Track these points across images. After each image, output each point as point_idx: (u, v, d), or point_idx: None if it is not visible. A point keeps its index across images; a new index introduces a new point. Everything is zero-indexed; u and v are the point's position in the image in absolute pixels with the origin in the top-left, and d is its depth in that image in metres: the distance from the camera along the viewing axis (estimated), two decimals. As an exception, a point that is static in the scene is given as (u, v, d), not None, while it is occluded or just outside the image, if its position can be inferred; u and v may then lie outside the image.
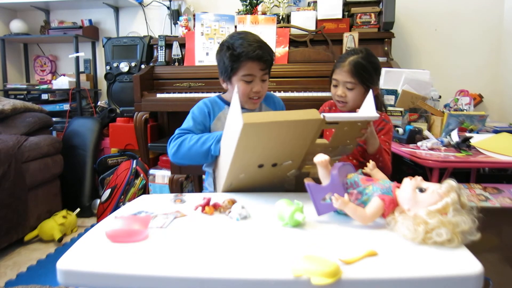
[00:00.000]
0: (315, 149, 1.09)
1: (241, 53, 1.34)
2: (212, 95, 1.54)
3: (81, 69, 3.26)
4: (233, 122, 1.00)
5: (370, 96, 1.18)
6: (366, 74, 1.42)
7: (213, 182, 1.32)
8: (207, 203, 1.02)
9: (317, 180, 0.98)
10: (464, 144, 1.70)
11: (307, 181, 0.95)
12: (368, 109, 1.14)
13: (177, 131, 1.40)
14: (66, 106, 3.09)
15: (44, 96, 3.08)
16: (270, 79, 2.50)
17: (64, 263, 0.74)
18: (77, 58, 3.06)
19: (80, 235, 2.43)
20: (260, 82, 1.39)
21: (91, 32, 3.28)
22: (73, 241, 2.32)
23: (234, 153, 1.01)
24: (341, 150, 1.21)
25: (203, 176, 1.64)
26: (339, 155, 1.23)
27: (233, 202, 1.02)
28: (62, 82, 3.11)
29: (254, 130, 0.96)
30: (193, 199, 1.11)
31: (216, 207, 1.02)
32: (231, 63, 1.36)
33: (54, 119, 2.90)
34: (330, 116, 1.03)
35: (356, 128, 1.14)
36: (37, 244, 2.32)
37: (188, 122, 1.42)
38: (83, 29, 3.18)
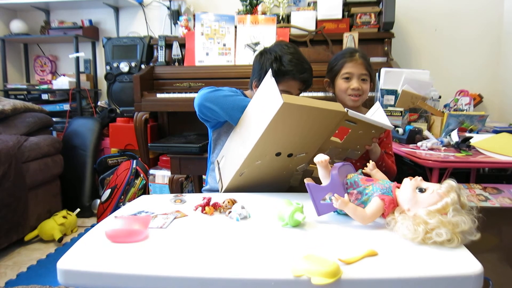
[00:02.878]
0: (328, 145, 1.14)
1: (289, 71, 1.34)
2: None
3: (81, 69, 3.25)
4: (266, 103, 1.03)
5: (380, 107, 1.22)
6: (371, 69, 1.46)
7: (218, 174, 1.31)
8: (207, 203, 1.02)
9: (318, 180, 0.98)
10: (464, 144, 1.70)
11: (307, 181, 0.95)
12: (382, 119, 1.17)
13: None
14: (66, 106, 3.09)
15: (44, 96, 3.08)
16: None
17: (64, 263, 0.74)
18: (77, 58, 3.06)
19: (80, 235, 2.43)
20: None
21: (91, 32, 3.28)
22: (73, 241, 2.32)
23: (262, 133, 1.02)
24: (349, 154, 1.24)
25: (203, 177, 1.63)
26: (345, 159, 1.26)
27: (233, 202, 1.02)
28: (62, 82, 3.10)
29: (290, 111, 0.99)
30: (193, 199, 1.11)
31: (216, 207, 1.02)
32: (274, 76, 1.35)
33: (54, 119, 2.90)
34: (352, 112, 1.07)
35: (369, 135, 1.18)
36: (37, 244, 2.32)
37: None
38: (83, 29, 3.18)
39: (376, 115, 1.22)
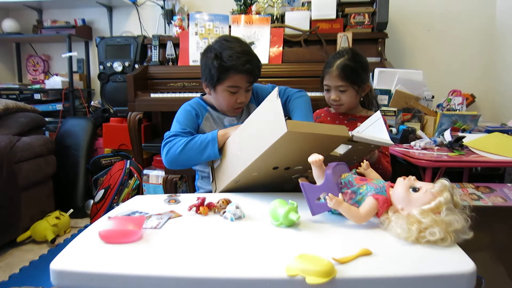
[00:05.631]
0: (326, 158, 1.12)
1: (231, 66, 1.31)
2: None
3: (74, 68, 3.23)
4: (269, 125, 1.01)
5: (380, 119, 1.21)
6: (355, 75, 1.44)
7: (212, 175, 1.31)
8: (202, 203, 1.02)
9: (313, 182, 0.98)
10: (456, 144, 1.72)
11: (302, 181, 0.95)
12: (381, 133, 1.17)
13: (165, 136, 1.37)
14: (59, 106, 3.07)
15: (37, 96, 3.05)
16: (265, 79, 2.53)
17: (57, 264, 0.73)
18: (70, 57, 3.04)
19: (73, 236, 2.41)
20: (244, 93, 1.39)
21: (84, 32, 3.26)
22: (66, 242, 2.31)
23: (261, 154, 1.02)
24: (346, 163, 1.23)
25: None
26: None
27: (227, 202, 1.02)
28: (55, 82, 3.08)
29: (293, 138, 0.98)
30: (187, 199, 1.11)
31: (210, 207, 1.02)
32: (217, 73, 1.33)
33: (47, 119, 2.88)
34: (356, 136, 1.07)
35: (367, 149, 1.19)
36: (30, 245, 2.30)
37: (174, 127, 1.40)
38: (76, 29, 3.16)
39: (375, 126, 1.21)
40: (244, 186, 1.20)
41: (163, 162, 1.36)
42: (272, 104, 1.05)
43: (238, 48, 1.34)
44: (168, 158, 1.33)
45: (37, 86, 3.15)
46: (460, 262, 0.72)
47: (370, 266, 0.71)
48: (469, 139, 1.79)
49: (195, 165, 1.45)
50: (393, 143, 1.20)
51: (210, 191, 1.37)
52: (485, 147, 1.69)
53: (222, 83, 1.35)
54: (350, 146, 1.13)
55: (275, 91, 1.06)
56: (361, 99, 1.56)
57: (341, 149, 1.16)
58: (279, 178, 1.21)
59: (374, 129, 1.21)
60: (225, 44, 1.35)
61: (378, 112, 1.26)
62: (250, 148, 1.08)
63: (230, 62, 1.31)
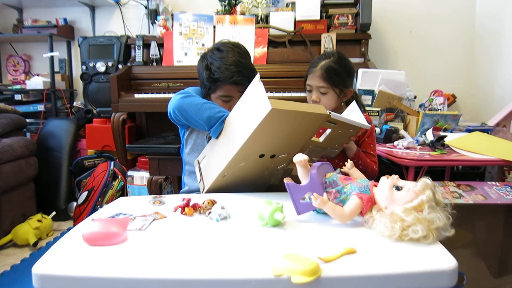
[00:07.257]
0: (308, 145, 1.18)
1: (218, 78, 1.35)
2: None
3: (56, 69, 3.18)
4: (254, 107, 1.04)
5: (356, 108, 1.24)
6: (338, 78, 1.42)
7: (200, 174, 1.30)
8: (187, 204, 1.02)
9: (297, 179, 0.99)
10: (438, 143, 1.75)
11: (287, 181, 0.96)
12: (359, 119, 1.21)
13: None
14: (40, 107, 3.01)
15: (17, 97, 2.99)
16: (250, 80, 2.53)
17: (40, 268, 0.72)
18: (52, 57, 2.99)
19: (56, 239, 2.37)
20: (237, 101, 1.40)
21: (66, 31, 3.21)
22: (49, 245, 2.26)
23: (248, 137, 1.03)
24: (327, 152, 1.28)
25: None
26: (323, 157, 1.30)
27: (213, 202, 1.02)
28: (36, 82, 3.03)
29: (277, 116, 1.00)
30: (172, 200, 1.10)
31: (196, 208, 1.02)
32: (209, 83, 1.37)
33: (28, 120, 2.82)
34: (334, 114, 1.11)
35: (347, 134, 1.22)
36: (11, 249, 2.25)
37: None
38: (58, 28, 3.11)
39: (353, 114, 1.25)
40: (232, 182, 1.20)
41: (171, 102, 1.30)
42: (255, 87, 1.08)
43: (229, 58, 1.36)
44: (182, 101, 1.27)
45: (18, 86, 3.09)
46: (442, 259, 0.73)
47: (355, 264, 0.71)
48: (450, 138, 1.82)
49: (192, 123, 1.32)
50: (369, 125, 1.22)
51: (197, 188, 1.37)
52: (466, 146, 1.73)
53: (214, 92, 1.40)
54: (330, 130, 1.16)
55: (257, 77, 1.08)
56: (342, 104, 1.53)
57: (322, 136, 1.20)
58: (265, 170, 1.22)
59: (351, 117, 1.23)
60: (216, 55, 1.39)
61: (354, 102, 1.28)
62: (237, 135, 1.09)
63: (218, 74, 1.35)
